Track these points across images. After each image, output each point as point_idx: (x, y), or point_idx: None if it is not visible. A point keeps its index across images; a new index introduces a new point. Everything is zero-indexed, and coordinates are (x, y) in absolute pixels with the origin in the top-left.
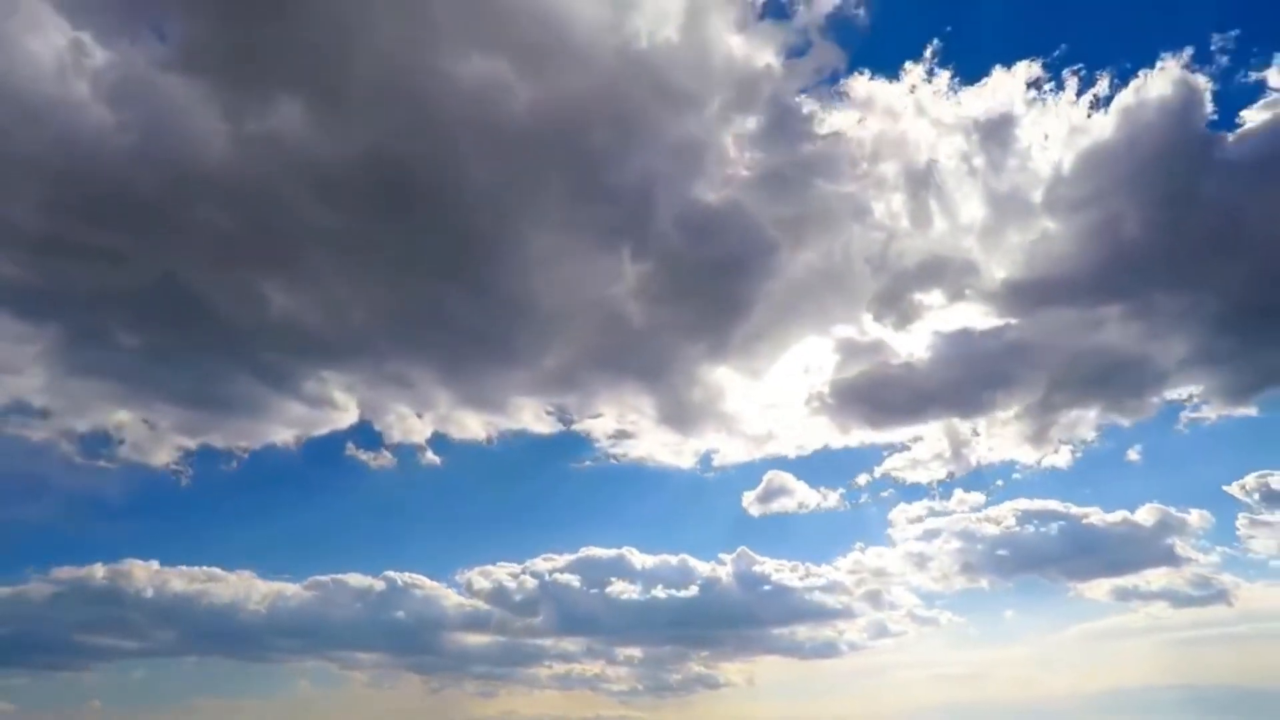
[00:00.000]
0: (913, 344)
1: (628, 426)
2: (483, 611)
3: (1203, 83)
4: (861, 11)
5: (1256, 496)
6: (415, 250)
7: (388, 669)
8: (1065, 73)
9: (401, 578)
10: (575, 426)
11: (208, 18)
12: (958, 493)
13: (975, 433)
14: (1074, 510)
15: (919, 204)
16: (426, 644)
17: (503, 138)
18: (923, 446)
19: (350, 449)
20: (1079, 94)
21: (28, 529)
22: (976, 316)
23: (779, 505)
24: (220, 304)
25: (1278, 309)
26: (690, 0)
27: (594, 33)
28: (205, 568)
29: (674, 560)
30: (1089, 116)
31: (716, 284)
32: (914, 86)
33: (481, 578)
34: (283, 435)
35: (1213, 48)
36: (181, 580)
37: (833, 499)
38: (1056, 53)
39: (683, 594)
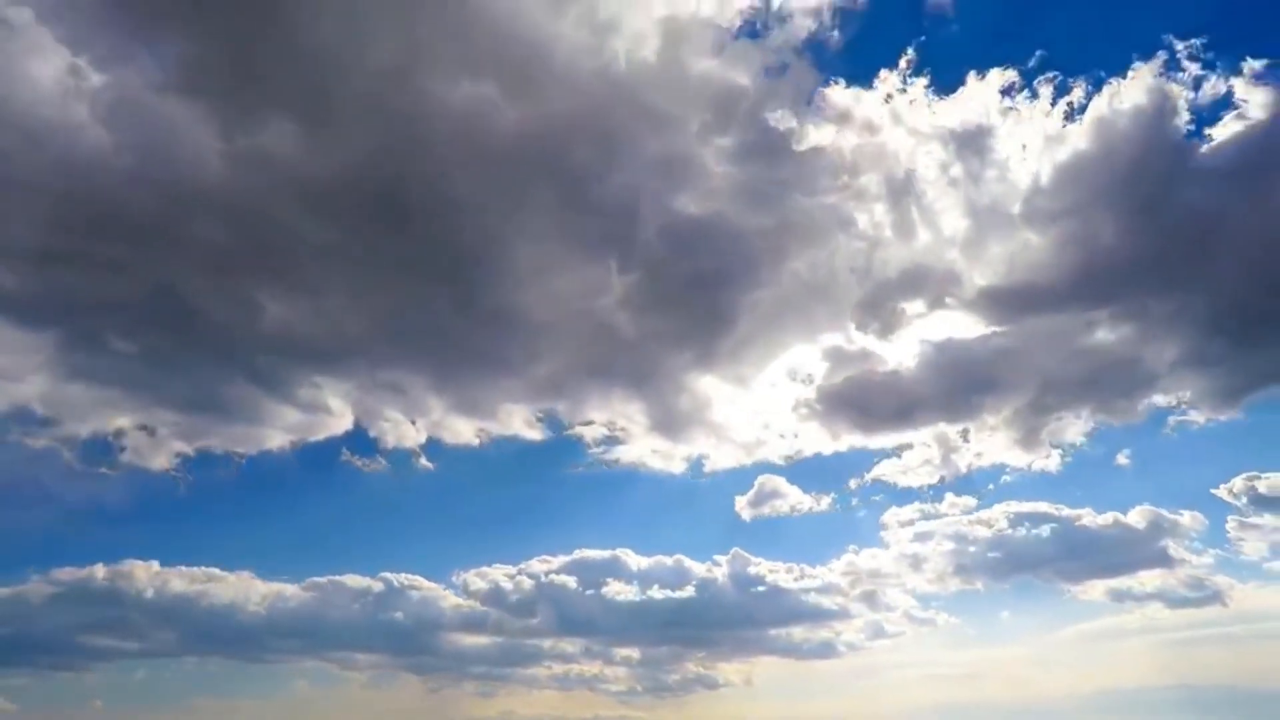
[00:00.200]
0: (900, 351)
1: (618, 433)
2: (480, 612)
3: (1176, 89)
4: (836, 33)
5: (1244, 500)
6: (407, 262)
7: (386, 669)
8: (1039, 80)
9: (398, 579)
10: (566, 433)
11: (201, 41)
12: (949, 496)
13: (965, 438)
14: (1066, 512)
15: (901, 214)
16: (424, 645)
17: (490, 155)
18: (913, 452)
19: (345, 454)
20: (1054, 101)
21: (30, 532)
22: (963, 324)
23: (771, 509)
24: (218, 314)
25: (1262, 314)
26: (667, 23)
27: (574, 55)
28: (205, 568)
29: (669, 561)
30: (1064, 125)
31: (702, 294)
32: (890, 95)
33: (478, 579)
34: (279, 440)
35: (1183, 54)
36: (181, 581)
37: (824, 503)
38: (1032, 62)
39: (679, 594)
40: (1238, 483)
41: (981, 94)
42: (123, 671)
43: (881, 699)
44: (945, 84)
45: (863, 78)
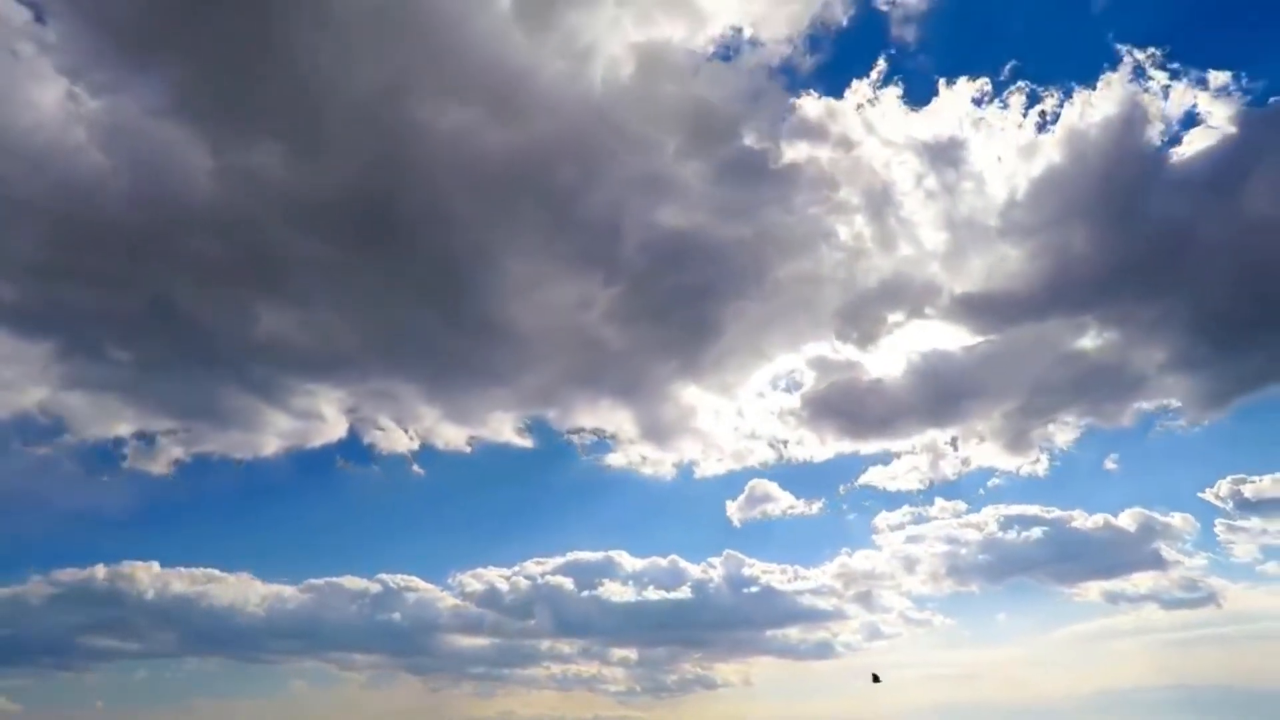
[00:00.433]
0: (886, 360)
1: (607, 440)
2: (476, 613)
3: (1147, 98)
4: (809, 57)
5: (1231, 503)
6: (397, 276)
7: (385, 669)
8: (1010, 90)
9: (395, 580)
10: (556, 439)
11: (194, 68)
12: (939, 500)
13: (953, 444)
14: (1057, 514)
15: (881, 226)
16: (422, 645)
17: (476, 174)
18: (901, 460)
19: (340, 460)
20: (1025, 111)
21: (33, 535)
22: (947, 333)
23: (761, 512)
24: (214, 325)
25: (1244, 320)
26: (641, 49)
27: (555, 81)
28: (205, 569)
29: (664, 562)
30: (1037, 135)
31: (686, 306)
32: (860, 105)
33: (474, 580)
34: (275, 446)
35: (1149, 64)
36: (182, 582)
37: (815, 508)
38: (1002, 75)
39: (675, 595)
40: (1224, 486)
41: (954, 104)
42: (124, 672)
43: (880, 699)
44: (917, 96)
45: (835, 91)
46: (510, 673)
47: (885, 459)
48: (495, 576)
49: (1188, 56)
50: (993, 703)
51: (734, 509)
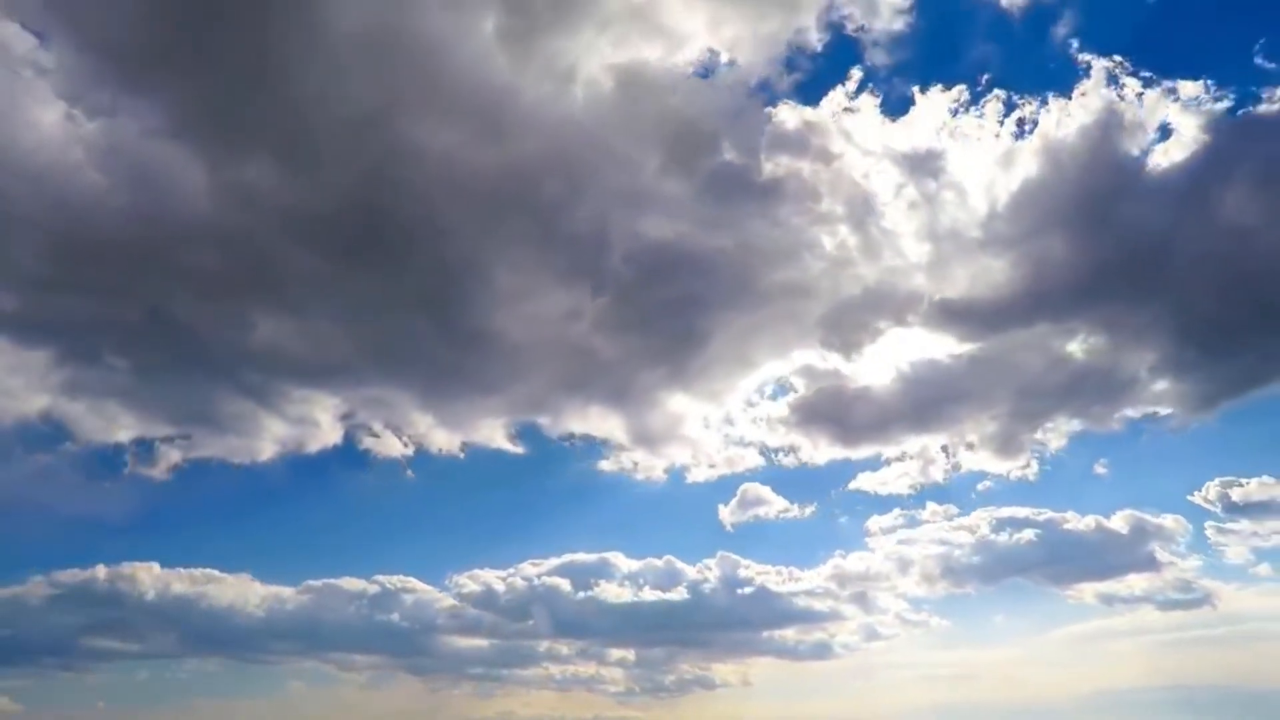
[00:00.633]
0: (875, 367)
1: (598, 445)
2: (474, 615)
3: (1122, 106)
4: (787, 77)
5: (1219, 506)
6: (389, 288)
7: (384, 670)
8: (986, 99)
9: (391, 581)
10: (548, 445)
11: (190, 91)
12: (931, 505)
13: (944, 449)
14: (1051, 516)
15: (864, 235)
16: (420, 646)
17: (464, 190)
18: (891, 467)
19: (335, 465)
20: (1001, 120)
21: (36, 539)
22: (935, 340)
23: (753, 516)
24: (214, 333)
25: (1230, 324)
26: (619, 70)
27: (538, 102)
28: (205, 569)
29: (659, 563)
30: (1015, 142)
31: (672, 316)
32: (835, 113)
33: (470, 581)
34: (270, 451)
35: (1121, 72)
36: (182, 583)
37: (807, 512)
38: (979, 86)
39: (671, 597)
40: (1212, 489)
41: (931, 113)
42: (125, 672)
43: (878, 699)
44: (895, 105)
45: (812, 100)
46: (509, 673)
47: (875, 465)
48: (492, 578)
49: (1163, 65)
50: (991, 703)
51: (725, 513)
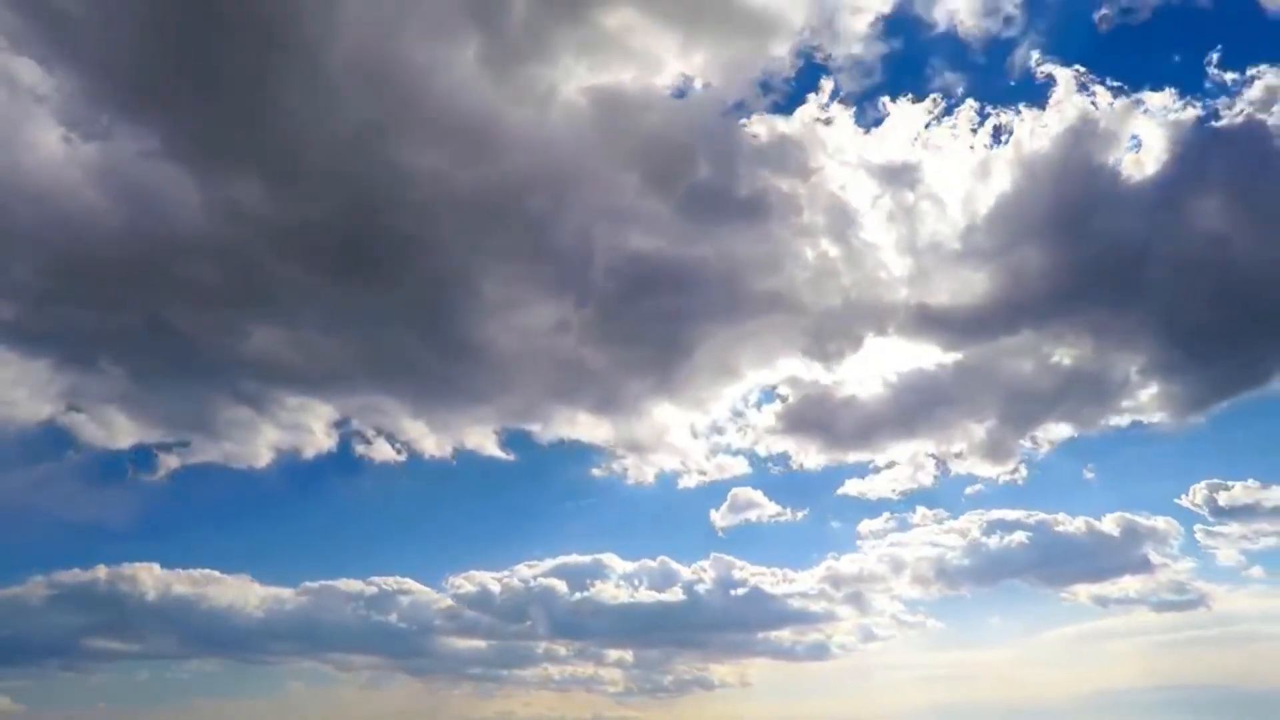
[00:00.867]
0: (861, 375)
1: (589, 452)
2: (471, 616)
3: (1095, 113)
4: (763, 99)
5: (1206, 509)
6: (381, 300)
7: (383, 670)
8: (959, 109)
9: (388, 582)
10: (537, 452)
11: (184, 114)
12: (920, 509)
13: (934, 455)
14: (1043, 518)
15: (845, 246)
16: (419, 646)
17: (450, 208)
18: (882, 472)
19: (330, 471)
20: (975, 129)
21: (37, 542)
22: (920, 348)
23: (744, 521)
24: (211, 345)
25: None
26: (599, 92)
27: (519, 123)
28: (204, 570)
29: (654, 564)
30: (990, 149)
31: (656, 328)
32: (808, 124)
33: (466, 583)
34: (267, 457)
35: (1093, 80)
36: (182, 584)
37: (799, 516)
38: (952, 99)
39: (667, 598)
40: (1199, 492)
41: (905, 124)
42: (125, 672)
43: (876, 699)
44: (868, 118)
45: (787, 110)
46: (508, 673)
47: (863, 471)
48: (488, 579)
49: (1133, 75)
50: (988, 703)
51: (717, 517)
